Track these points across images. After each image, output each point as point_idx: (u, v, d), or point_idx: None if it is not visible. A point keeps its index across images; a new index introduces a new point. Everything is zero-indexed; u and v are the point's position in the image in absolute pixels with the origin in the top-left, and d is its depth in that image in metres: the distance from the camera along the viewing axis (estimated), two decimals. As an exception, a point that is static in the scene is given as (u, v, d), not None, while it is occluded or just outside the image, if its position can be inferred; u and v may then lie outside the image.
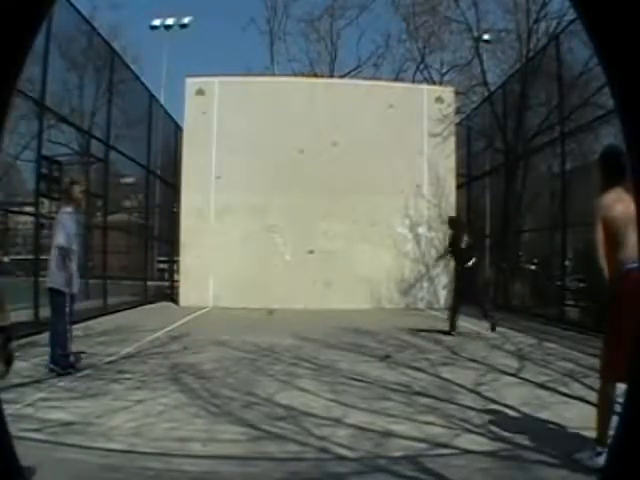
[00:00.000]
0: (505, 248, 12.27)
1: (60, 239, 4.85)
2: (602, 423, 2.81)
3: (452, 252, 8.15)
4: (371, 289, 11.61)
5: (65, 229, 4.91)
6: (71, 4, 8.36)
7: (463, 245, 7.92)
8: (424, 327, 8.15)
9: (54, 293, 4.91)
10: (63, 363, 4.80)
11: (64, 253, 4.84)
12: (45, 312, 7.51)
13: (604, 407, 2.84)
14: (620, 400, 2.38)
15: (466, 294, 7.93)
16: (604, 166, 2.98)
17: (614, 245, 2.81)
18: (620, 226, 2.77)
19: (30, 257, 9.37)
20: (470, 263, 7.82)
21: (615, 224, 2.80)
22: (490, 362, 5.69)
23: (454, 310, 7.86)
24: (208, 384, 4.61)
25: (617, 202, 2.81)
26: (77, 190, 5.15)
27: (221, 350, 6.32)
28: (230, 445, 3.15)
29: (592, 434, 3.15)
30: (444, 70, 20.01)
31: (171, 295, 13.91)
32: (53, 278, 4.93)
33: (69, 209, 5.12)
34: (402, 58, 20.85)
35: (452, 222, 8.77)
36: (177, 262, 13.92)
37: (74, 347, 5.07)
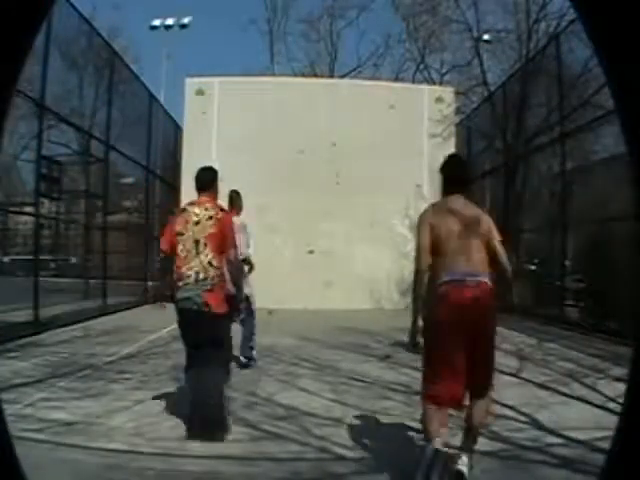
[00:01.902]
0: (505, 248, 12.26)
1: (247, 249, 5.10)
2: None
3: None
4: (371, 289, 11.60)
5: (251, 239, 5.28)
6: (71, 4, 8.36)
7: None
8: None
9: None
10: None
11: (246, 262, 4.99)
12: (45, 312, 7.54)
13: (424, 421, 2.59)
14: (620, 400, 2.38)
15: None
16: (441, 175, 2.91)
17: (436, 256, 2.63)
18: (442, 237, 2.62)
19: (30, 257, 9.39)
20: None
21: (438, 235, 2.63)
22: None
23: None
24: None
25: (442, 211, 2.72)
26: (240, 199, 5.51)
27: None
28: (230, 445, 3.15)
29: (592, 434, 3.15)
30: (444, 70, 20.04)
31: (171, 295, 13.88)
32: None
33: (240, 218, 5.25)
34: (402, 58, 20.94)
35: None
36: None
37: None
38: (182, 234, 3.41)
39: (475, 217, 2.72)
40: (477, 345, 2.49)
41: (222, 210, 3.59)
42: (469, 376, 2.47)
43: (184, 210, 3.57)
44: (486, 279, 2.58)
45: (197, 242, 3.38)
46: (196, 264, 3.35)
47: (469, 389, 2.52)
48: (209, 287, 3.32)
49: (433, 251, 2.61)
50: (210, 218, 3.41)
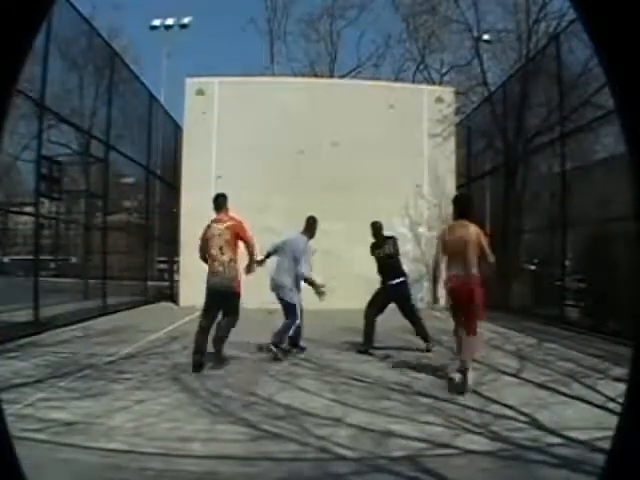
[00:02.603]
0: (505, 248, 12.27)
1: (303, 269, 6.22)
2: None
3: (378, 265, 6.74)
4: (371, 289, 11.57)
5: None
6: (71, 4, 8.36)
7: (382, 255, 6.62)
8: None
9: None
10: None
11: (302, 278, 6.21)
12: (45, 312, 7.55)
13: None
14: (620, 400, 2.38)
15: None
16: (453, 206, 5.09)
17: (448, 259, 4.76)
18: (448, 247, 4.73)
19: (30, 257, 9.38)
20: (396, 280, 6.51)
21: (446, 246, 4.75)
22: (490, 362, 5.69)
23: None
24: (208, 384, 4.61)
25: (451, 231, 4.81)
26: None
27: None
28: (230, 445, 3.15)
29: (592, 434, 3.16)
30: (444, 70, 20.03)
31: (171, 295, 13.90)
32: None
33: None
34: (402, 58, 20.92)
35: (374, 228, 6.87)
36: (177, 262, 13.92)
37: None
38: (210, 243, 5.38)
39: (470, 233, 4.64)
40: (466, 308, 4.59)
41: (231, 219, 5.48)
42: (464, 321, 4.66)
43: (209, 226, 5.50)
44: (474, 271, 4.57)
45: (221, 248, 5.34)
46: (220, 263, 5.34)
47: (464, 326, 4.66)
48: (230, 276, 5.37)
49: (445, 254, 4.77)
50: (226, 229, 5.37)
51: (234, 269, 5.37)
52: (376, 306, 6.54)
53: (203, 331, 5.33)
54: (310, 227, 6.55)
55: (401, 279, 6.56)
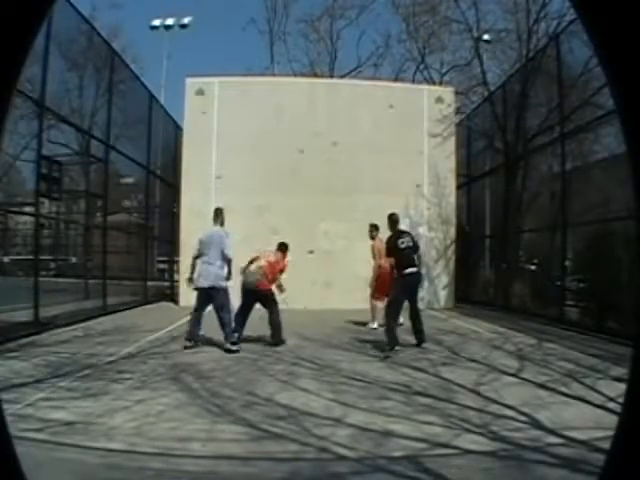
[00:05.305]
0: (505, 248, 12.27)
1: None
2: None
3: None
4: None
5: None
6: (71, 4, 8.36)
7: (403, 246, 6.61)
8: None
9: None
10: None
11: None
12: (45, 312, 7.55)
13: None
14: (620, 400, 2.38)
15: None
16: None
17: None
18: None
19: (30, 257, 9.39)
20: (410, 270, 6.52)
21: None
22: (490, 362, 5.69)
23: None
24: (208, 384, 4.62)
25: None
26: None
27: (221, 350, 6.33)
28: (230, 445, 3.15)
29: (592, 434, 3.16)
30: (444, 70, 20.00)
31: (171, 295, 13.90)
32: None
33: None
34: (402, 58, 20.86)
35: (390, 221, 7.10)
36: (177, 262, 13.92)
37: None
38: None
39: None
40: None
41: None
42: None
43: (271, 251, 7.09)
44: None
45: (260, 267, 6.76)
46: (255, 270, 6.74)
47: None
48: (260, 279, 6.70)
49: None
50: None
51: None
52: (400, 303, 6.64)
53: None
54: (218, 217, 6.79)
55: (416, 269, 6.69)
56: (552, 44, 10.15)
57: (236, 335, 6.46)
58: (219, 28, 49.90)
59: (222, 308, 6.43)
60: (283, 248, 7.12)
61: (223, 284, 6.44)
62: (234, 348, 6.25)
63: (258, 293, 6.65)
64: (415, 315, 6.76)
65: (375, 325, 8.37)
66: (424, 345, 6.61)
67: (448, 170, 12.90)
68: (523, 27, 12.22)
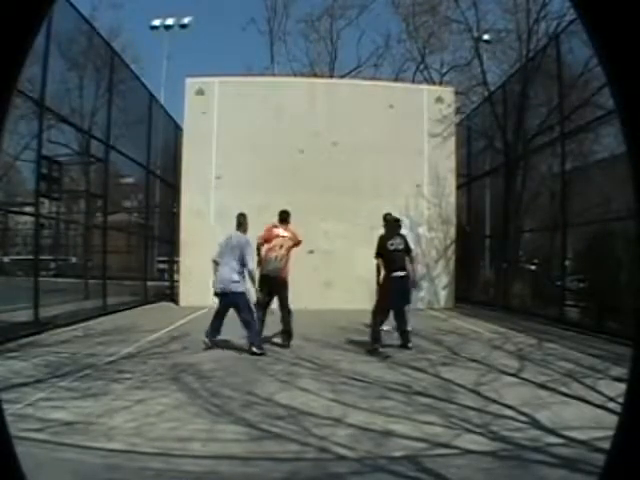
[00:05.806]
0: (505, 248, 12.27)
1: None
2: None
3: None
4: (371, 289, 11.52)
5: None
6: (71, 4, 8.36)
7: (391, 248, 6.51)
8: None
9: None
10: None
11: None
12: (45, 312, 7.55)
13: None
14: (620, 400, 2.38)
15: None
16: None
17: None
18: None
19: (30, 257, 9.39)
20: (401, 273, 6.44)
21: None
22: (490, 362, 5.69)
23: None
24: (208, 384, 4.61)
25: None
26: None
27: (221, 350, 6.33)
28: (230, 445, 3.15)
29: (592, 434, 3.16)
30: (444, 70, 20.03)
31: (171, 295, 13.90)
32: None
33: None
34: (402, 58, 20.87)
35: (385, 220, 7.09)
36: (177, 262, 13.92)
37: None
38: (272, 240, 6.66)
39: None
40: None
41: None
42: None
43: (275, 226, 6.78)
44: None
45: (281, 246, 6.60)
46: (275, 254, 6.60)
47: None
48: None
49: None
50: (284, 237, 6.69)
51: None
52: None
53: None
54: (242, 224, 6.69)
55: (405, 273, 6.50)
56: (552, 44, 10.15)
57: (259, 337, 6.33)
58: (219, 28, 49.88)
59: (242, 311, 6.26)
60: (285, 216, 6.87)
61: (240, 289, 6.27)
62: (258, 352, 6.08)
63: (277, 281, 6.53)
64: (400, 316, 6.53)
65: (387, 327, 7.46)
66: (410, 345, 6.52)
67: (448, 170, 12.90)
68: (523, 27, 12.24)
